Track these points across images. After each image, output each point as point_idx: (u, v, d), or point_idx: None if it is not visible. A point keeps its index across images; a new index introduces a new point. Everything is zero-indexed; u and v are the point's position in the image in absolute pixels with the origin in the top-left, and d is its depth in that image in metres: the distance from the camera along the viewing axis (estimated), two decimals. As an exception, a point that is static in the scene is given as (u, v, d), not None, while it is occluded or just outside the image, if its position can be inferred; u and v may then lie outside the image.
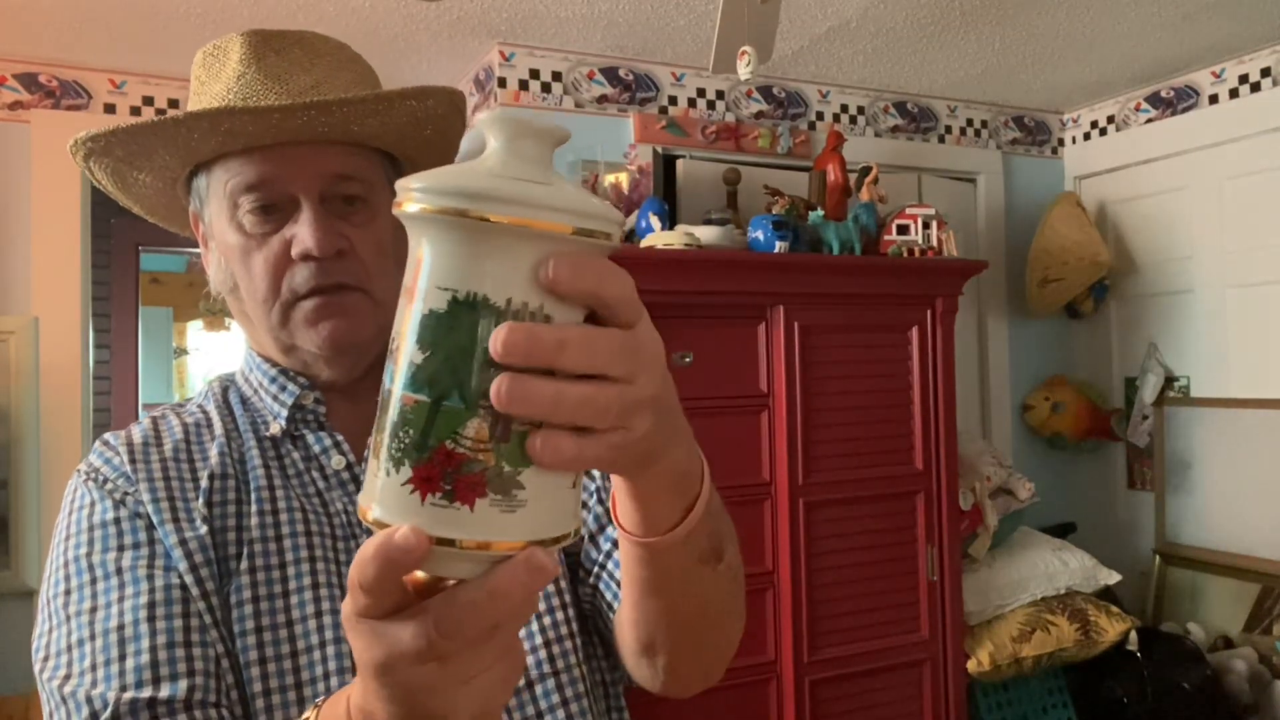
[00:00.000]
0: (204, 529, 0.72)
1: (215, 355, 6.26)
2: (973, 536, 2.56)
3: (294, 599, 0.72)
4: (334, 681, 0.71)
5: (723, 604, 0.68)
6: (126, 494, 0.74)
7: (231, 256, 0.78)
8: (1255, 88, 2.76)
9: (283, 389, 0.81)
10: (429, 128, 0.83)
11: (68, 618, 0.69)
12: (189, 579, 0.70)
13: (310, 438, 0.80)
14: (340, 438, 0.80)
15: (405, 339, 0.40)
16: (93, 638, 0.67)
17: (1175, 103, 2.98)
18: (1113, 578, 2.67)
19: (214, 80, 0.79)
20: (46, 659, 0.68)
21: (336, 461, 0.79)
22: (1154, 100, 3.05)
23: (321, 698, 0.57)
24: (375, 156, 0.81)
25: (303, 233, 0.74)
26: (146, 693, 0.65)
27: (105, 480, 0.75)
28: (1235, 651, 2.66)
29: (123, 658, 0.66)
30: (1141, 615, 2.93)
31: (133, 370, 4.35)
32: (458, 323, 0.39)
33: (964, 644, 2.43)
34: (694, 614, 0.66)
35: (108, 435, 0.80)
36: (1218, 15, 2.46)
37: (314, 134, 0.74)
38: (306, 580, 0.73)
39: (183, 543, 0.71)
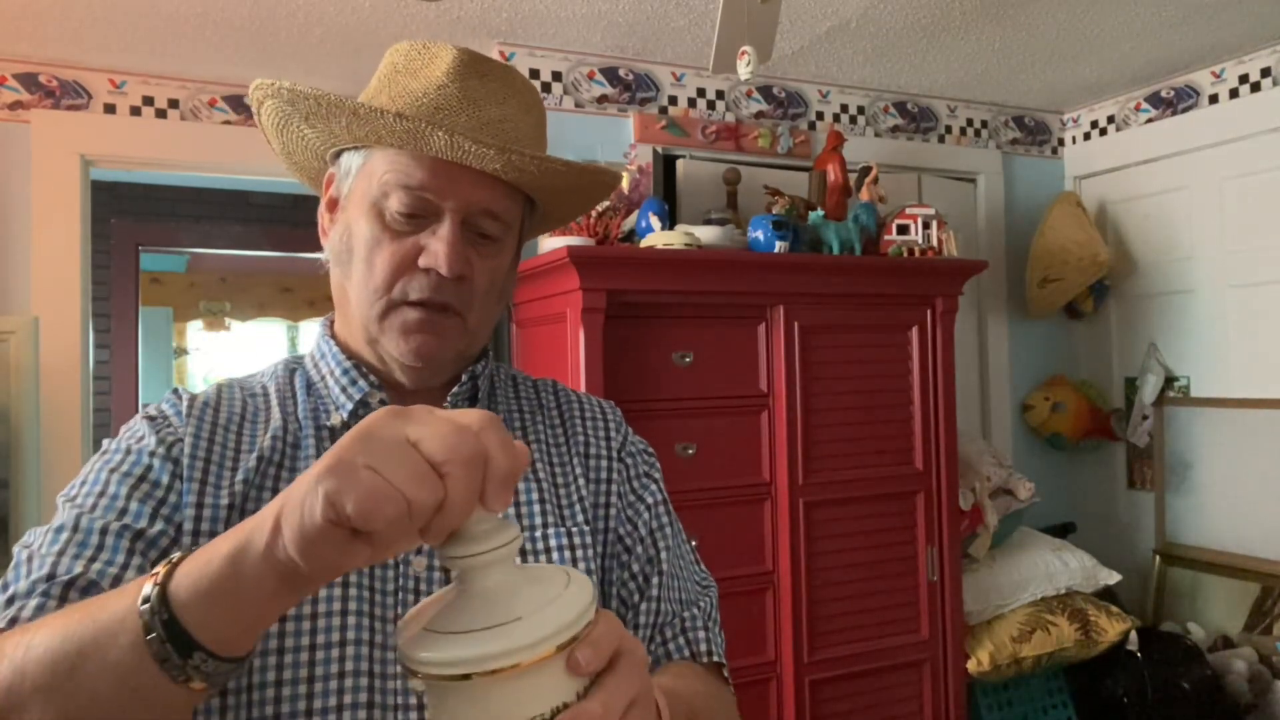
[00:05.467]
0: (225, 501, 0.74)
1: (215, 355, 6.26)
2: (973, 536, 2.56)
3: (320, 622, 0.72)
4: (347, 682, 0.71)
5: None
6: (177, 440, 0.77)
7: (358, 238, 0.80)
8: (1255, 88, 2.76)
9: (353, 382, 0.82)
10: (584, 196, 0.90)
11: (63, 511, 0.72)
12: (186, 540, 0.72)
13: None
14: None
15: None
16: (75, 529, 0.69)
17: (1175, 103, 2.98)
18: (1113, 578, 2.67)
19: (412, 77, 0.81)
20: (30, 543, 0.70)
21: None
22: (1154, 100, 3.05)
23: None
24: (521, 200, 0.84)
25: (438, 249, 0.77)
26: (106, 585, 0.66)
27: (166, 420, 0.78)
28: (1235, 651, 2.66)
29: (93, 559, 0.67)
30: (1141, 615, 2.93)
31: (133, 370, 4.35)
32: None
33: (964, 644, 2.43)
34: None
35: (177, 387, 0.84)
36: (1218, 15, 2.47)
37: (492, 169, 0.78)
38: (336, 605, 0.73)
39: (198, 505, 0.73)
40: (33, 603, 0.64)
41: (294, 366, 0.87)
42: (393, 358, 0.81)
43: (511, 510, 0.82)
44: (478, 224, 0.80)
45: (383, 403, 0.82)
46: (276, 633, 0.71)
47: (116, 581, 0.66)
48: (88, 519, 0.70)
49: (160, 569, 0.53)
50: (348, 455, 0.48)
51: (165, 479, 0.74)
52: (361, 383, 0.82)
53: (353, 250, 0.81)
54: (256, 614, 0.53)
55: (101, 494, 0.72)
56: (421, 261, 0.78)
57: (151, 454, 0.75)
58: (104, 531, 0.69)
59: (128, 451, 0.75)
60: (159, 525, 0.71)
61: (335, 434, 0.81)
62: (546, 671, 0.48)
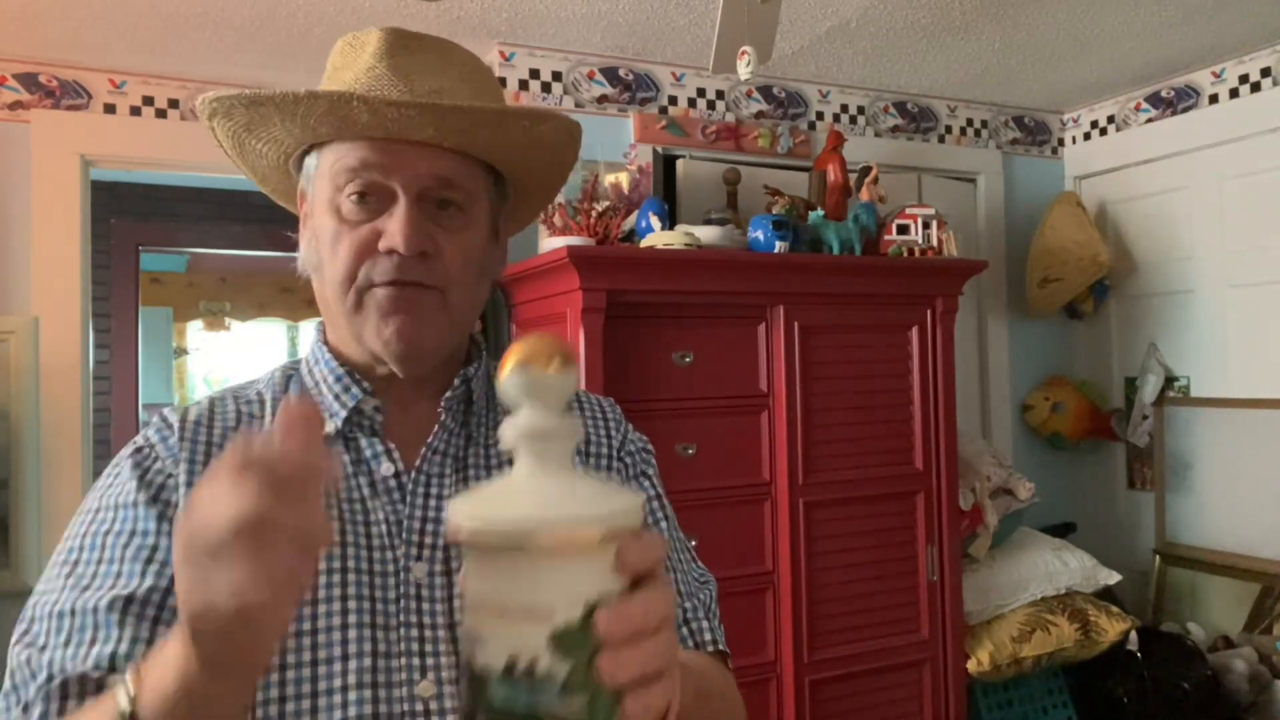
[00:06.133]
0: None
1: (215, 355, 6.26)
2: (973, 536, 2.56)
3: (321, 608, 0.72)
4: (351, 695, 0.71)
5: None
6: (170, 476, 0.75)
7: (322, 238, 0.79)
8: (1255, 88, 2.76)
9: (346, 389, 0.81)
10: (542, 152, 0.84)
11: (62, 587, 0.71)
12: None
13: (363, 442, 0.80)
14: (392, 446, 0.80)
15: (542, 655, 0.46)
16: (73, 614, 0.68)
17: (1175, 103, 2.98)
18: (1113, 578, 2.67)
19: (347, 68, 0.81)
20: (31, 622, 0.70)
21: (385, 469, 0.79)
22: (1154, 100, 3.05)
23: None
24: (480, 168, 0.82)
25: (393, 228, 0.76)
26: (97, 675, 0.66)
27: (156, 459, 0.76)
28: (1235, 651, 2.66)
29: (93, 643, 0.67)
30: (1141, 615, 2.93)
31: (133, 370, 4.35)
32: (586, 627, 0.46)
33: (964, 644, 2.43)
34: None
35: (166, 411, 0.81)
36: (1218, 15, 2.47)
37: (425, 135, 0.76)
38: (336, 591, 0.73)
39: None
40: (36, 711, 0.65)
41: (290, 373, 0.87)
42: (379, 349, 0.79)
43: None
44: (436, 196, 0.78)
45: (376, 409, 0.81)
46: (276, 649, 0.69)
47: (114, 659, 0.67)
48: (83, 600, 0.69)
49: (129, 684, 0.55)
50: (193, 593, 0.48)
51: (151, 525, 0.73)
52: (355, 389, 0.81)
53: (320, 252, 0.80)
54: (233, 700, 0.54)
55: (99, 560, 0.71)
56: (381, 244, 0.76)
57: (134, 504, 0.74)
58: (95, 610, 0.69)
59: (116, 508, 0.74)
60: (149, 581, 0.70)
61: (329, 441, 0.80)
62: (592, 556, 0.48)
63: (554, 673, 0.45)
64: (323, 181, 0.80)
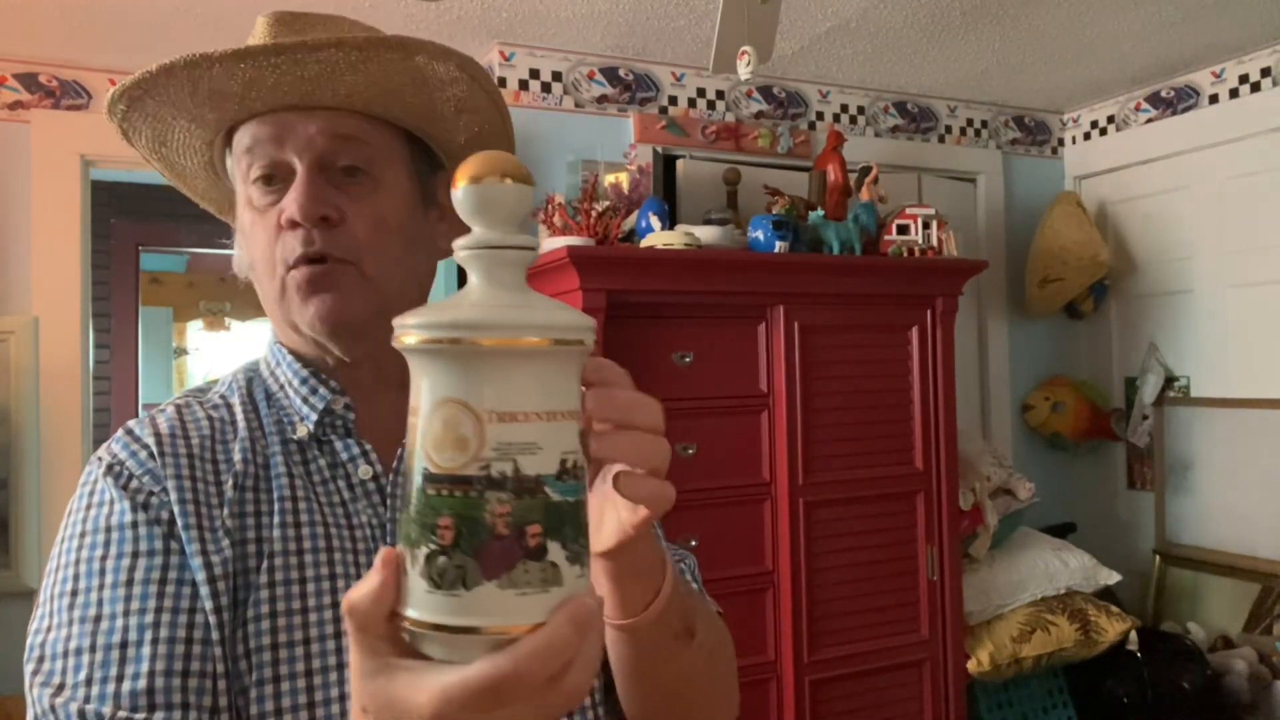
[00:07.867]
0: (226, 546, 0.71)
1: (215, 355, 6.26)
2: (973, 536, 2.56)
3: (312, 616, 0.71)
4: (348, 704, 0.68)
5: (703, 682, 0.73)
6: (151, 494, 0.71)
7: (244, 232, 0.78)
8: (1255, 88, 2.76)
9: (314, 391, 0.78)
10: (436, 93, 0.78)
11: (70, 621, 0.67)
12: (204, 590, 0.69)
13: (338, 444, 0.78)
14: (369, 447, 0.78)
15: (578, 451, 0.49)
16: (93, 650, 0.65)
17: (1175, 103, 2.98)
18: (1113, 578, 2.67)
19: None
20: (41, 660, 0.67)
21: (364, 471, 0.77)
22: (1154, 100, 3.05)
23: None
24: (387, 129, 0.78)
25: (288, 198, 0.73)
26: (140, 716, 0.64)
27: (130, 477, 0.72)
28: (1235, 651, 2.66)
29: (120, 678, 0.64)
30: (1141, 615, 2.93)
31: (133, 370, 4.36)
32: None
33: (964, 644, 2.43)
34: (675, 690, 0.72)
35: (131, 424, 0.77)
36: (1218, 15, 2.47)
37: (301, 94, 0.73)
38: (326, 599, 0.71)
39: (204, 553, 0.70)
40: None
41: (251, 375, 0.83)
42: (308, 332, 0.76)
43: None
44: (335, 158, 0.75)
45: (347, 408, 0.78)
46: (271, 660, 0.69)
47: (150, 695, 0.65)
48: (97, 632, 0.66)
49: None
50: None
51: (158, 545, 0.69)
52: (323, 390, 0.78)
53: (248, 250, 0.78)
54: None
55: (102, 587, 0.68)
56: (281, 219, 0.73)
57: (132, 525, 0.69)
58: (112, 645, 0.66)
59: (109, 530, 0.69)
60: (167, 603, 0.68)
61: (303, 447, 0.78)
62: (543, 365, 0.47)
63: (584, 464, 0.49)
64: (238, 179, 0.78)
